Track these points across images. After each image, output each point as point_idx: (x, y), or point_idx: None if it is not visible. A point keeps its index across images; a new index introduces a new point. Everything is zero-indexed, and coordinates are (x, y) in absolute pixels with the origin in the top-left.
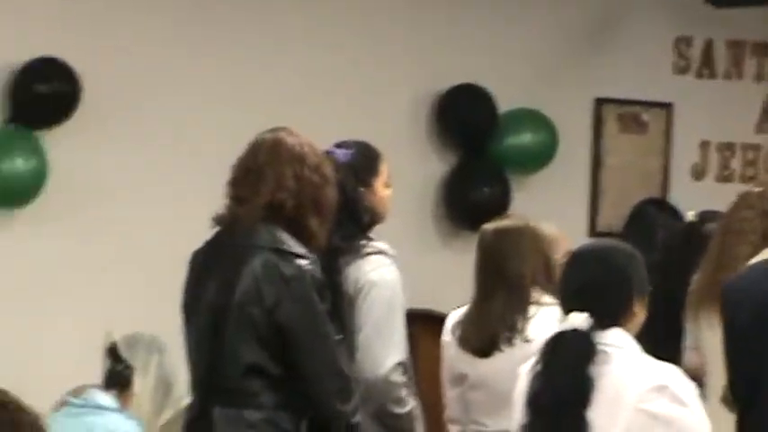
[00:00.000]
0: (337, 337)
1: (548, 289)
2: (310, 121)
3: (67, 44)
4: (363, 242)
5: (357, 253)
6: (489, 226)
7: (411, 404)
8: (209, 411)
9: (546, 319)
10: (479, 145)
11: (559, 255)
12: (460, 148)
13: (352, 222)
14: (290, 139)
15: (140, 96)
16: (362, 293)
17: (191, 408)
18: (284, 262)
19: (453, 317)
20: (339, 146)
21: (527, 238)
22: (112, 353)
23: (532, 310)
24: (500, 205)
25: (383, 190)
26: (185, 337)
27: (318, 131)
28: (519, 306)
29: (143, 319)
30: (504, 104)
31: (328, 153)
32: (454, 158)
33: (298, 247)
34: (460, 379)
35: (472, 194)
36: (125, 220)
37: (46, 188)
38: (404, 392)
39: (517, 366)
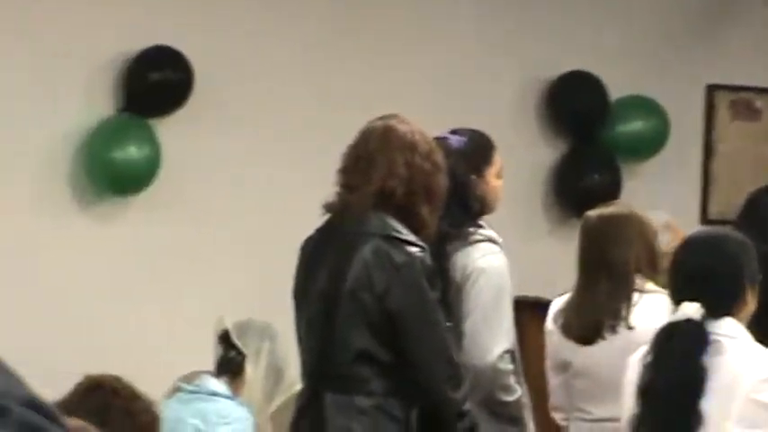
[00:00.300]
0: (446, 325)
1: (651, 276)
2: (420, 109)
3: (181, 33)
4: (472, 229)
5: (465, 240)
6: (593, 213)
7: (519, 392)
8: (319, 398)
9: (649, 306)
10: (590, 132)
11: (673, 242)
12: (571, 135)
13: (462, 209)
14: (401, 127)
15: (252, 85)
16: (471, 280)
17: (301, 394)
18: (395, 249)
19: (556, 304)
20: (454, 132)
21: (631, 225)
22: (224, 339)
23: (636, 297)
24: (610, 193)
25: (495, 180)
26: (296, 323)
27: (428, 119)
28: (622, 293)
29: (255, 305)
30: (616, 91)
31: (442, 139)
32: (564, 146)
33: (408, 235)
34: (564, 366)
35: (582, 182)
36: (237, 208)
37: (159, 176)
38: (512, 380)
39: (620, 354)
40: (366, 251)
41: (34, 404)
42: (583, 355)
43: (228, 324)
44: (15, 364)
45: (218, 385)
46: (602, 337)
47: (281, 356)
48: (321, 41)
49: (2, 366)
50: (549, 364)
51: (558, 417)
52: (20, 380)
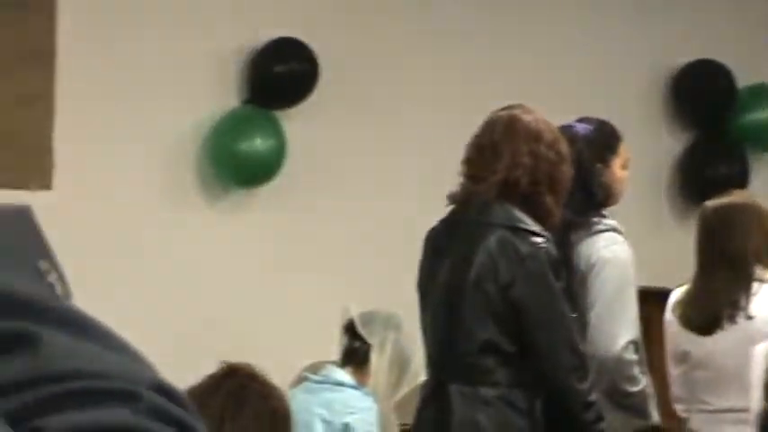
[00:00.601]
0: (571, 315)
1: None
2: (543, 98)
3: (306, 24)
4: (596, 219)
5: (589, 229)
6: (711, 203)
7: (643, 382)
8: (444, 388)
9: None
10: (716, 122)
11: None
12: (696, 125)
13: (586, 198)
14: (525, 117)
15: (377, 75)
16: (595, 270)
17: (426, 385)
18: (519, 240)
19: (675, 295)
20: (580, 121)
21: (750, 215)
22: (350, 330)
23: (755, 287)
24: (737, 183)
25: (620, 171)
26: (421, 314)
27: (552, 109)
28: (741, 283)
29: (380, 296)
30: (743, 79)
31: (568, 127)
32: (689, 136)
33: (533, 225)
34: (683, 357)
35: (708, 172)
36: (363, 199)
37: (284, 168)
38: (636, 370)
39: (740, 344)
40: (491, 242)
41: (163, 389)
42: (702, 346)
43: (354, 314)
44: (144, 352)
45: (344, 375)
46: (721, 328)
47: (406, 347)
48: (448, 31)
49: (131, 351)
50: (669, 354)
51: (678, 408)
52: (149, 365)
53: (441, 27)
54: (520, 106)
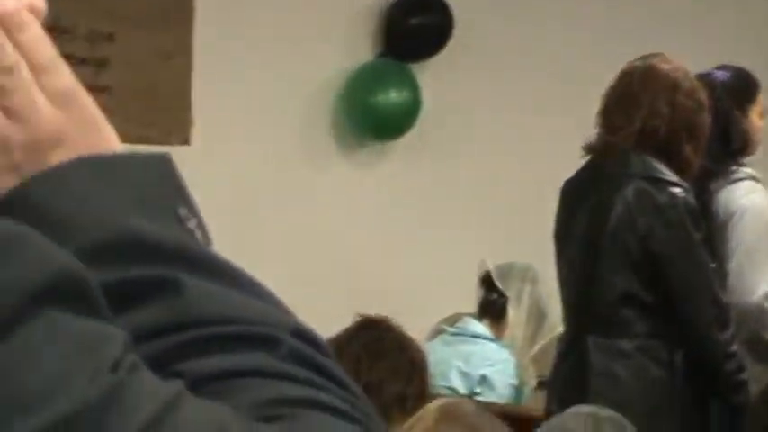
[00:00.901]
0: (711, 265)
1: None
2: (681, 48)
3: None
4: (734, 168)
5: (728, 178)
6: None
7: None
8: (582, 341)
9: None
10: None
11: None
12: None
13: (724, 146)
14: (663, 66)
15: (512, 30)
16: (734, 219)
17: (563, 337)
18: (657, 190)
19: None
20: (719, 68)
21: None
22: (486, 282)
23: None
24: None
25: (757, 120)
26: (557, 266)
27: (691, 59)
28: None
29: (516, 248)
30: None
31: (706, 75)
32: None
33: (671, 175)
34: None
35: None
36: (497, 151)
37: (419, 121)
38: None
39: None
40: (628, 193)
41: (303, 335)
42: None
43: (490, 267)
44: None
45: (481, 327)
46: None
47: (543, 299)
48: None
49: (272, 298)
50: None
51: None
52: (290, 311)
53: None
54: (658, 55)
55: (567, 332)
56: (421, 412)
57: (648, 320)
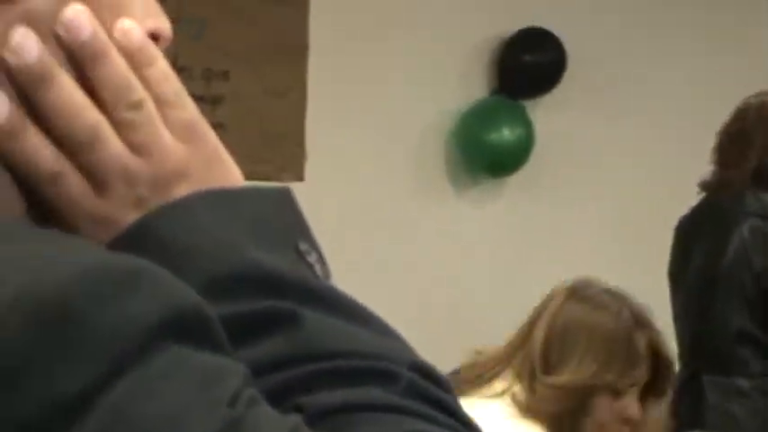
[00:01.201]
0: None
1: None
2: None
3: (555, 14)
4: None
5: None
6: None
7: None
8: (697, 379)
9: None
10: None
11: None
12: None
13: None
14: None
15: (626, 68)
16: None
17: (678, 375)
18: None
19: None
20: None
21: None
22: None
23: None
24: None
25: None
26: (672, 303)
27: None
28: None
29: (629, 285)
30: None
31: None
32: None
33: None
34: None
35: None
36: (608, 188)
37: (532, 157)
38: None
39: None
40: (743, 230)
41: (424, 370)
42: None
43: None
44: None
45: None
46: None
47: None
48: (698, 23)
49: (392, 333)
50: None
51: None
52: (409, 346)
53: (690, 20)
54: None
55: (682, 370)
56: (552, 291)
57: (765, 359)
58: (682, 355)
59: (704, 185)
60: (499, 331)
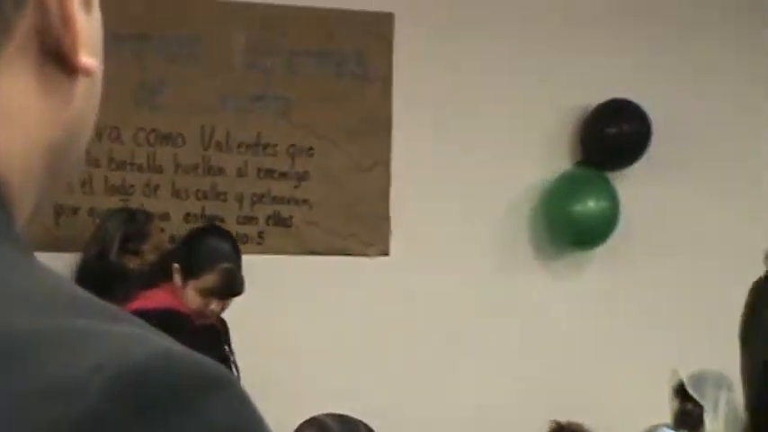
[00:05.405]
0: None
1: None
2: None
3: (639, 85)
4: None
5: None
6: None
7: None
8: None
9: None
10: None
11: None
12: None
13: None
14: None
15: (710, 137)
16: None
17: None
18: None
19: None
20: None
21: None
22: (681, 392)
23: None
24: None
25: None
26: (741, 365)
27: None
28: None
29: (711, 359)
30: None
31: None
32: None
33: None
34: None
35: None
36: (696, 260)
37: (618, 229)
38: None
39: None
40: None
41: None
42: None
43: (683, 376)
44: (477, 415)
45: None
46: None
47: (740, 405)
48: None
49: None
50: None
51: None
52: None
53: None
54: None
55: (749, 428)
56: None
57: None
58: (750, 417)
59: None
60: (580, 403)
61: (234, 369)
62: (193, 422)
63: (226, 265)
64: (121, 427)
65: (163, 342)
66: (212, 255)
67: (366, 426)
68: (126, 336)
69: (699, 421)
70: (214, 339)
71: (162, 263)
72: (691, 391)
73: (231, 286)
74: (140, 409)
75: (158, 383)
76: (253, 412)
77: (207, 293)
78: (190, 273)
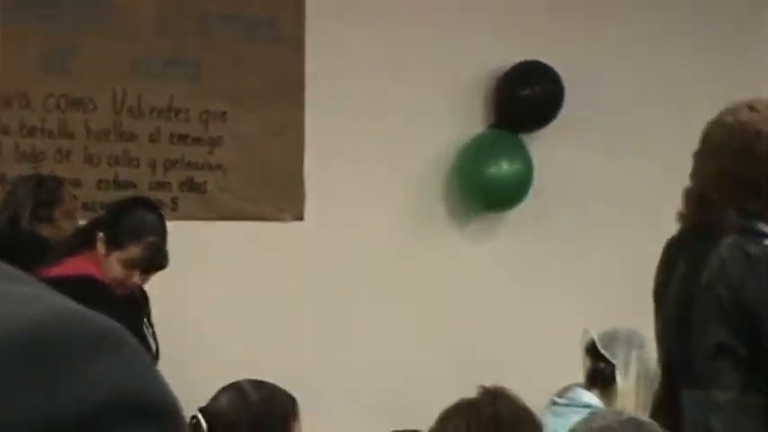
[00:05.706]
0: None
1: None
2: None
3: (551, 48)
4: None
5: None
6: None
7: None
8: (675, 393)
9: None
10: None
11: None
12: None
13: None
14: (742, 116)
15: (622, 99)
16: None
17: (659, 391)
18: (749, 242)
19: None
20: None
21: None
22: (592, 351)
23: None
24: None
25: None
26: (655, 324)
27: None
28: None
29: (623, 318)
30: None
31: None
32: None
33: (764, 227)
34: None
35: None
36: (607, 223)
37: (531, 192)
38: None
39: None
40: (722, 245)
41: None
42: None
43: (594, 335)
44: (392, 379)
45: (591, 397)
46: None
47: (652, 364)
48: (695, 56)
49: None
50: None
51: None
52: None
53: (690, 49)
54: (745, 106)
55: (661, 385)
56: None
57: (743, 373)
58: (661, 372)
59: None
60: (494, 367)
61: (153, 341)
62: (85, 380)
63: (152, 238)
64: (10, 386)
65: (58, 301)
66: (139, 227)
67: (286, 393)
68: (21, 294)
69: (611, 379)
70: (134, 311)
71: (85, 231)
72: (602, 350)
73: (156, 260)
74: (30, 366)
75: (50, 341)
76: (148, 369)
77: (130, 265)
78: (115, 243)
